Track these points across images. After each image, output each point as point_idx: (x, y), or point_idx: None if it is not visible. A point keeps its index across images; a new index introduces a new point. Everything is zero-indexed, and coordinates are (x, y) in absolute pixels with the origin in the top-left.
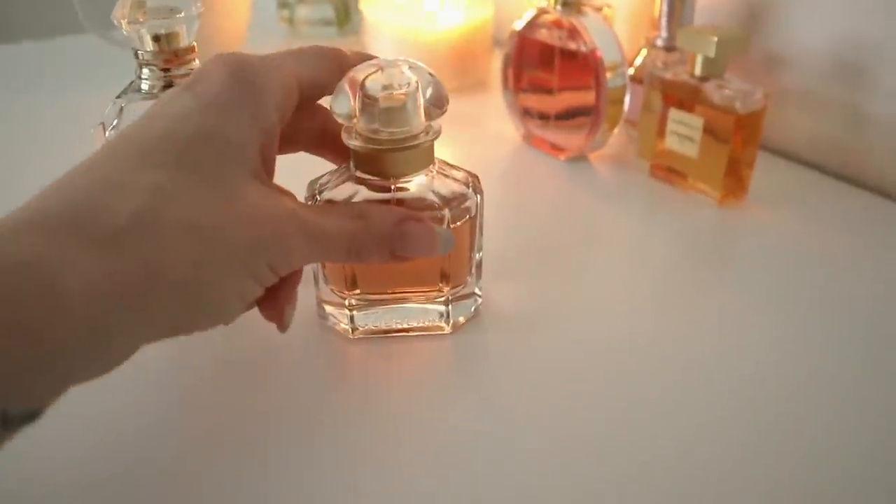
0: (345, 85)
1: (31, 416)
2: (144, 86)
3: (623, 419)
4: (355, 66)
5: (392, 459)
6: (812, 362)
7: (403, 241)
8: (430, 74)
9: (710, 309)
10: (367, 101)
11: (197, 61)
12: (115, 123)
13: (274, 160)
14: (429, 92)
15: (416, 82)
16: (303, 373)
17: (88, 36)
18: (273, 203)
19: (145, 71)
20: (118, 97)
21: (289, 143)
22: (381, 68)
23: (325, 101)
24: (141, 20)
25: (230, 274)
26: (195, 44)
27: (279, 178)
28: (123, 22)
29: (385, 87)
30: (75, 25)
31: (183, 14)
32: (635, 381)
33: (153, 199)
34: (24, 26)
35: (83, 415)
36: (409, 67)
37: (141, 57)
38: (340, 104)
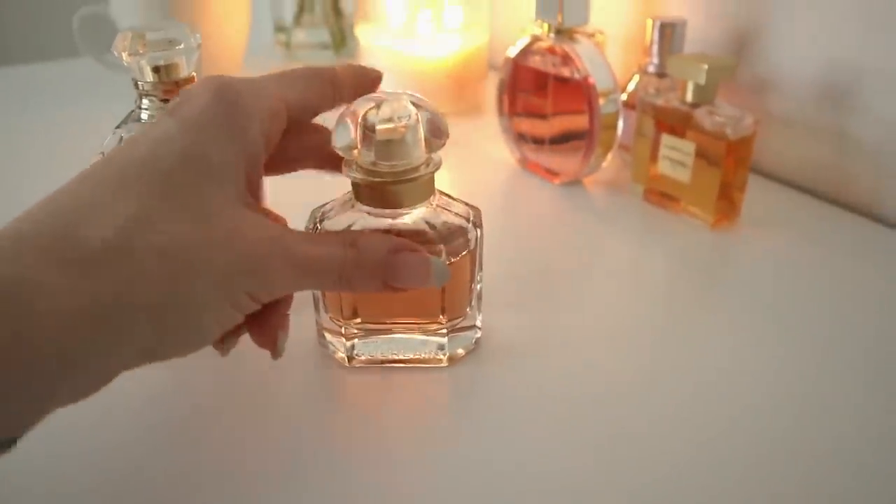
0: (346, 117)
1: (6, 443)
2: (144, 115)
3: (623, 447)
4: (348, 83)
5: (385, 491)
6: (806, 382)
7: (396, 271)
8: (431, 107)
9: (707, 331)
10: (368, 134)
11: None
12: None
13: (260, 185)
14: (429, 124)
15: (417, 115)
16: (299, 401)
17: (85, 60)
18: (255, 226)
19: (145, 101)
20: (118, 127)
21: (293, 161)
22: (382, 101)
23: (323, 120)
24: (141, 52)
25: (205, 298)
26: (195, 74)
27: (283, 204)
28: (124, 54)
29: (385, 120)
30: (72, 49)
31: (182, 46)
32: (634, 408)
33: (129, 225)
34: (21, 49)
35: (72, 439)
36: (410, 100)
37: (141, 87)
38: (341, 137)
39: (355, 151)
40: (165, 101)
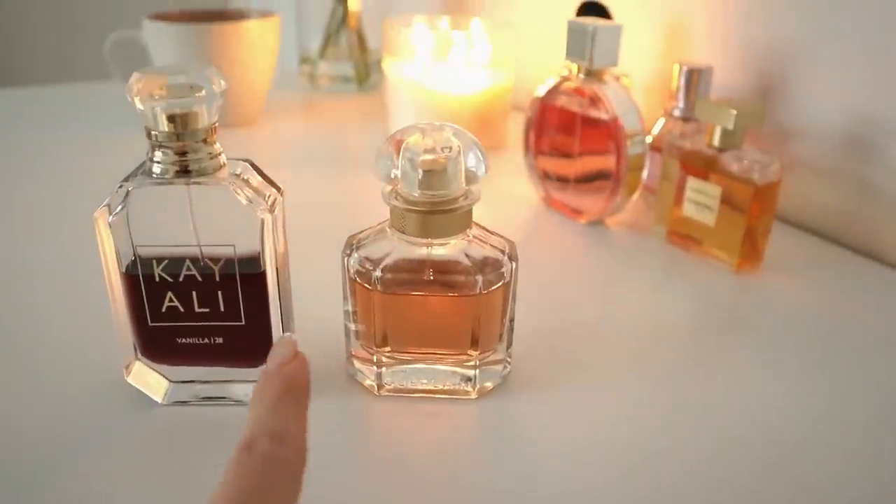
0: (388, 146)
1: None
2: (156, 169)
3: (645, 488)
4: None
5: None
6: (827, 428)
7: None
8: (473, 141)
9: (728, 373)
10: (409, 163)
11: (218, 144)
12: (119, 210)
13: None
14: (470, 157)
15: (459, 147)
16: (327, 426)
17: (115, 82)
18: None
19: (158, 153)
20: (125, 180)
21: None
22: (425, 131)
23: (368, 171)
24: (156, 97)
25: None
26: (216, 124)
27: (320, 230)
28: (137, 98)
29: (427, 151)
30: (103, 71)
31: (203, 93)
32: (656, 448)
33: None
34: (53, 69)
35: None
36: (453, 133)
37: (154, 138)
38: (383, 165)
39: (396, 180)
40: (182, 154)
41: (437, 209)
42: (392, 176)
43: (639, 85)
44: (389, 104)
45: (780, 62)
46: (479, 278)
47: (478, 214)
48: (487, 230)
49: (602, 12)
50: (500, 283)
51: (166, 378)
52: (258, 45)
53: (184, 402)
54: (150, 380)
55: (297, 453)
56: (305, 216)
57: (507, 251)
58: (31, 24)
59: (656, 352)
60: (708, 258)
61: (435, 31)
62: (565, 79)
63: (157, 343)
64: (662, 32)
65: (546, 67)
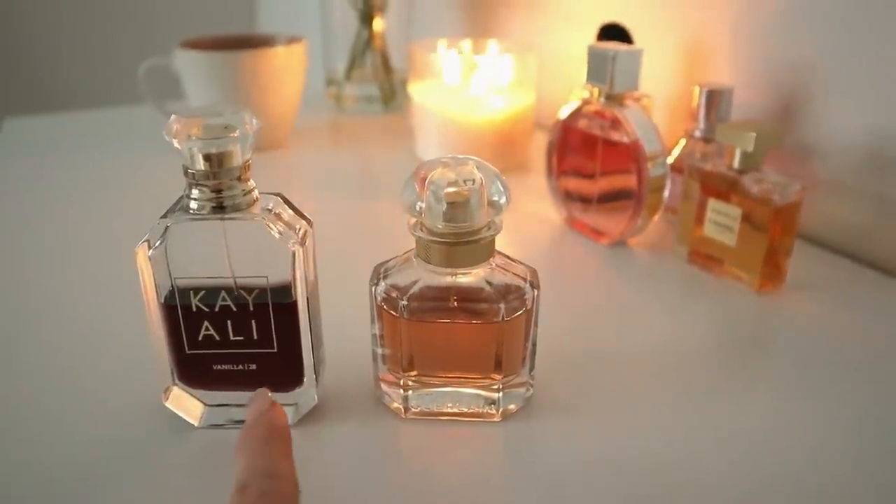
0: (413, 179)
1: None
2: (193, 205)
3: None
4: None
5: None
6: (850, 450)
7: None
8: (495, 173)
9: (751, 395)
10: (434, 195)
11: (251, 181)
12: (158, 244)
13: None
14: (493, 189)
15: (482, 180)
16: (353, 449)
17: (147, 107)
18: None
19: (195, 191)
20: (163, 217)
21: None
22: (449, 165)
23: (395, 192)
24: (194, 138)
25: None
26: (250, 162)
27: (348, 258)
28: (175, 140)
29: (451, 183)
30: (134, 96)
31: (237, 133)
32: (676, 471)
33: None
34: (86, 95)
35: None
36: (476, 166)
37: (191, 176)
38: (408, 196)
39: (420, 211)
40: (218, 191)
41: (460, 240)
42: (417, 208)
43: (659, 105)
44: (415, 127)
45: (801, 81)
46: (502, 306)
47: (500, 235)
48: (510, 258)
49: (622, 33)
50: (522, 310)
51: (202, 402)
52: (286, 70)
53: (218, 426)
54: (186, 404)
55: (290, 486)
56: (333, 240)
57: (528, 279)
58: (66, 52)
59: (678, 373)
60: (729, 278)
61: (458, 54)
62: (586, 102)
63: (193, 369)
64: (683, 53)
65: (569, 88)
